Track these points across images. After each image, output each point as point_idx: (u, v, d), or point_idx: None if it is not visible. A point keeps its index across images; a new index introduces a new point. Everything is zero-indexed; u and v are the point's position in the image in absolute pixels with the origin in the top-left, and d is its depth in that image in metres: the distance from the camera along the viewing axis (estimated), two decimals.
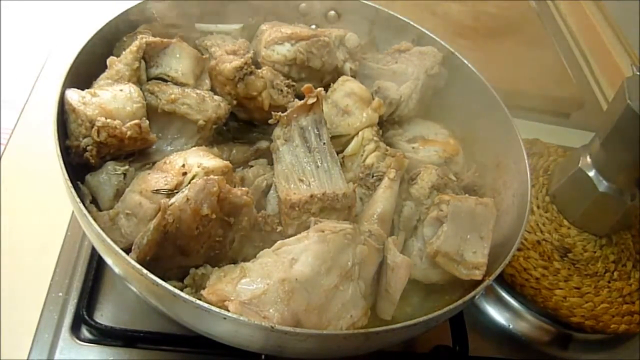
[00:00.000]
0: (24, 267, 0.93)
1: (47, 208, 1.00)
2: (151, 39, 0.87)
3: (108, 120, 0.76)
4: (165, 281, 0.65)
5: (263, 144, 0.93)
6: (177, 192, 0.74)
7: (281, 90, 0.93)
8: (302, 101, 0.86)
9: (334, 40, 1.01)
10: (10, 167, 1.06)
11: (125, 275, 0.71)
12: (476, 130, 1.06)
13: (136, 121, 0.78)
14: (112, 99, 0.80)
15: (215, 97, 0.89)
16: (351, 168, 0.91)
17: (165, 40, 0.89)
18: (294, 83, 0.96)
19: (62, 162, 0.73)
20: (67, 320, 0.88)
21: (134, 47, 0.85)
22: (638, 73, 1.01)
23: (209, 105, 0.86)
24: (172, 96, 0.84)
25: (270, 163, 0.89)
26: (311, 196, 0.79)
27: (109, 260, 0.75)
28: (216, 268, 0.73)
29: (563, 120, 1.51)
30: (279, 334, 0.64)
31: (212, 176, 0.74)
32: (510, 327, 1.06)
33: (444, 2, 1.67)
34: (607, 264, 1.11)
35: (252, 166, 0.91)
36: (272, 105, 0.90)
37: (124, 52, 0.86)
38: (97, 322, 0.87)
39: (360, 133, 0.93)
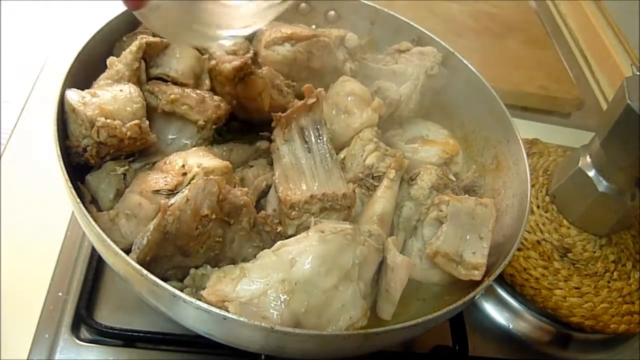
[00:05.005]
0: (24, 267, 0.93)
1: (47, 208, 1.00)
2: (151, 39, 0.87)
3: (108, 120, 0.76)
4: (165, 281, 0.65)
5: (263, 144, 0.93)
6: (177, 193, 0.74)
7: (281, 90, 0.93)
8: (302, 101, 0.86)
9: (334, 40, 1.02)
10: (10, 167, 1.06)
11: (125, 275, 0.71)
12: (476, 130, 1.06)
13: (136, 121, 0.78)
14: (112, 99, 0.80)
15: (215, 97, 0.89)
16: (351, 168, 0.91)
17: (165, 40, 0.89)
18: (294, 83, 0.96)
19: (62, 162, 0.73)
20: (67, 320, 0.88)
21: (134, 47, 0.85)
22: (638, 73, 1.01)
23: (209, 105, 0.86)
24: (172, 96, 0.84)
25: (270, 163, 0.89)
26: (311, 196, 0.79)
27: (109, 261, 0.75)
28: (216, 268, 0.74)
29: (563, 120, 1.51)
30: (278, 334, 0.64)
31: (212, 176, 0.74)
32: (510, 327, 1.06)
33: (444, 2, 1.67)
34: (607, 264, 1.11)
35: (252, 166, 0.91)
36: (272, 105, 0.91)
37: (124, 52, 0.86)
38: (97, 322, 0.87)
39: (360, 133, 0.93)
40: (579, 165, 1.11)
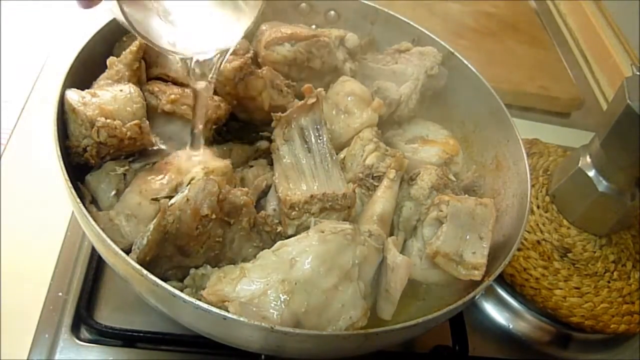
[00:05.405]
0: (24, 267, 0.93)
1: (47, 208, 1.00)
2: None
3: (108, 120, 0.76)
4: (165, 281, 0.65)
5: (263, 144, 0.93)
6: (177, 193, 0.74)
7: (281, 90, 0.93)
8: (302, 101, 0.86)
9: (334, 40, 1.02)
10: (10, 167, 1.06)
11: (125, 275, 0.71)
12: (476, 130, 1.06)
13: (136, 121, 0.78)
14: (112, 99, 0.80)
15: (215, 97, 0.89)
16: (351, 168, 0.91)
17: None
18: (294, 83, 0.96)
19: (62, 162, 0.73)
20: (67, 320, 0.88)
21: (134, 47, 0.85)
22: (638, 73, 1.01)
23: (209, 105, 0.86)
24: (172, 96, 0.84)
25: (270, 163, 0.89)
26: (311, 196, 0.79)
27: (109, 261, 0.75)
28: (216, 268, 0.74)
29: (563, 120, 1.51)
30: (278, 334, 0.64)
31: (212, 176, 0.74)
32: (510, 327, 1.06)
33: (444, 2, 1.67)
34: (607, 264, 1.11)
35: (252, 166, 0.91)
36: (272, 105, 0.91)
37: (124, 52, 0.86)
38: (97, 322, 0.87)
39: (360, 133, 0.93)
40: (579, 165, 1.11)
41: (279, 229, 0.80)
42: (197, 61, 0.73)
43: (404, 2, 1.48)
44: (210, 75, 0.76)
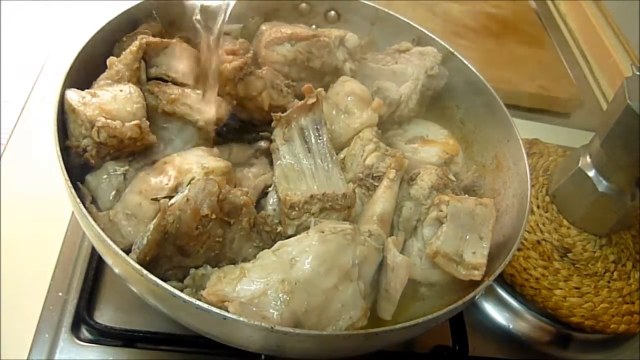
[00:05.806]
0: (24, 267, 0.93)
1: (47, 208, 1.00)
2: (151, 39, 0.87)
3: (108, 120, 0.76)
4: (165, 281, 0.65)
5: (263, 144, 0.93)
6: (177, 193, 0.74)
7: (281, 90, 0.93)
8: (302, 101, 0.86)
9: (334, 40, 1.02)
10: (10, 167, 1.06)
11: (125, 275, 0.71)
12: (476, 130, 1.06)
13: (136, 121, 0.78)
14: (112, 99, 0.80)
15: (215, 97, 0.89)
16: (351, 168, 0.91)
17: (165, 40, 0.89)
18: (294, 83, 0.96)
19: (61, 162, 0.73)
20: (67, 320, 0.88)
21: (133, 47, 0.85)
22: (638, 73, 1.01)
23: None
24: (172, 96, 0.84)
25: (271, 163, 0.89)
26: (311, 196, 0.79)
27: (108, 261, 0.75)
28: (216, 268, 0.74)
29: (563, 120, 1.52)
30: (278, 334, 0.64)
31: (212, 176, 0.74)
32: (510, 327, 1.06)
33: (444, 2, 1.67)
34: (607, 264, 1.11)
35: (252, 166, 0.91)
36: (272, 105, 0.91)
37: (124, 52, 0.86)
38: (97, 322, 0.87)
39: (360, 133, 0.93)
40: (579, 165, 1.11)
41: (279, 229, 0.80)
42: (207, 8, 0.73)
43: (404, 2, 1.48)
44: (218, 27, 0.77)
